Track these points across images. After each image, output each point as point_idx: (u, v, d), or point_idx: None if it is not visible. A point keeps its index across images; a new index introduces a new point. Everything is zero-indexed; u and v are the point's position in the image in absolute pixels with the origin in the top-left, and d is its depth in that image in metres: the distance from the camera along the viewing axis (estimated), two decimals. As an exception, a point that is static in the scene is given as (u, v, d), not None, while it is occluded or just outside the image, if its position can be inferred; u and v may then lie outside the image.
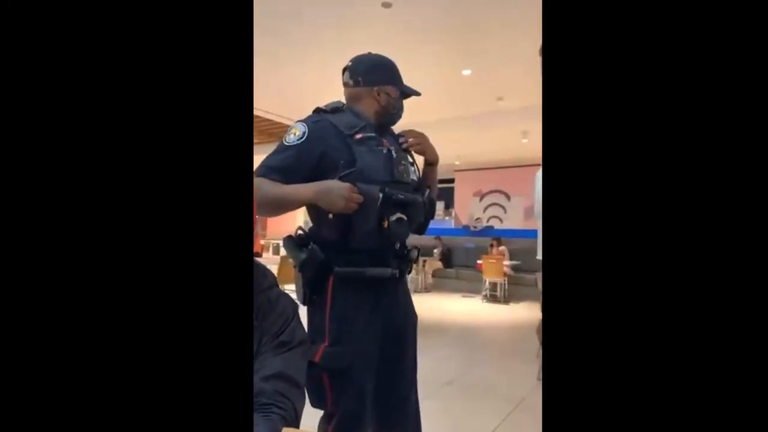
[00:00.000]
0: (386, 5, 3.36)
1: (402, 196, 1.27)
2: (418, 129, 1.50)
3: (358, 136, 1.30)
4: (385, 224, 1.23)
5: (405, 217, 1.26)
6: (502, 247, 7.74)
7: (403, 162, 1.34)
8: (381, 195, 1.22)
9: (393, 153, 1.33)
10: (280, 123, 6.79)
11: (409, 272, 1.46)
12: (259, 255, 5.23)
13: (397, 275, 1.36)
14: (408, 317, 1.44)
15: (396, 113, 1.42)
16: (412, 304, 1.47)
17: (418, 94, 1.43)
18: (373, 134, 1.33)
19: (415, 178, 1.40)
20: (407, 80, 1.43)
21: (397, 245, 1.36)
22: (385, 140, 1.35)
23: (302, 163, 1.25)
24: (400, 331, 1.39)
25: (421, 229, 1.43)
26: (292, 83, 5.15)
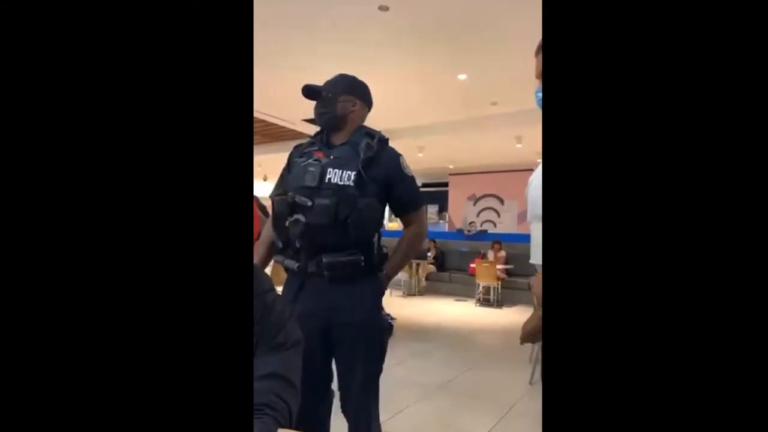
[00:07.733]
0: (383, 8, 3.37)
1: (297, 200, 1.38)
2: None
3: (304, 151, 1.49)
4: (286, 224, 1.41)
5: (302, 218, 1.36)
6: (502, 252, 7.68)
7: (311, 168, 1.41)
8: (276, 200, 1.42)
9: (312, 162, 1.42)
10: (277, 125, 6.84)
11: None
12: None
13: (307, 270, 1.39)
14: (331, 318, 1.39)
15: (316, 118, 1.51)
16: (352, 309, 1.40)
17: (310, 96, 1.50)
18: (314, 147, 1.49)
19: (337, 182, 1.37)
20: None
21: (298, 243, 1.40)
22: (319, 151, 1.47)
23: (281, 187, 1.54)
24: (313, 330, 1.37)
25: (353, 229, 1.35)
26: (290, 86, 5.13)
